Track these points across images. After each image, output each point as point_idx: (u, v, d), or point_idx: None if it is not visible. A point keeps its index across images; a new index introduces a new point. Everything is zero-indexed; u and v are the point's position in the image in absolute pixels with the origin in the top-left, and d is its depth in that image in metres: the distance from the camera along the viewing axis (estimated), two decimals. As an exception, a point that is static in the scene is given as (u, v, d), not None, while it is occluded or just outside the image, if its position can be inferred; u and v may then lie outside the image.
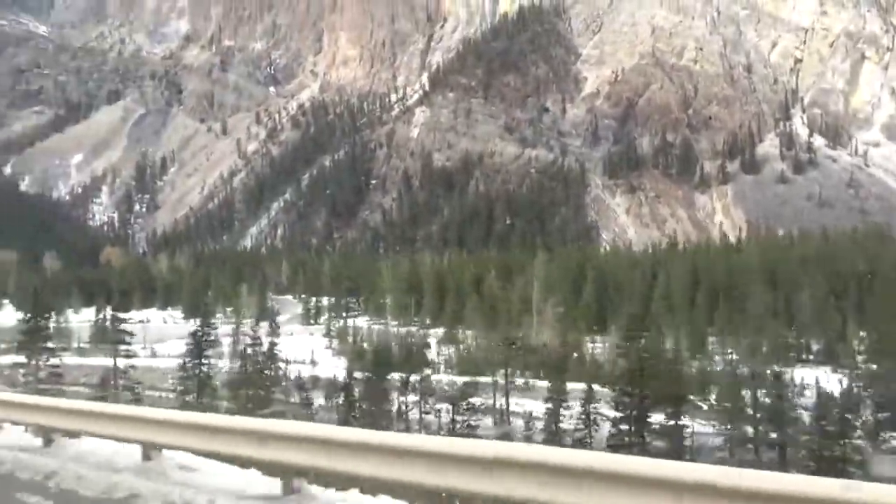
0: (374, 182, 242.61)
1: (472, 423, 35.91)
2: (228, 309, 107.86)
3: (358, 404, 38.37)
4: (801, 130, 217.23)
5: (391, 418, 37.60)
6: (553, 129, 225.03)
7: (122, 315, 54.78)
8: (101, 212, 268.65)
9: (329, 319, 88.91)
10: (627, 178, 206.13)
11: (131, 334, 46.42)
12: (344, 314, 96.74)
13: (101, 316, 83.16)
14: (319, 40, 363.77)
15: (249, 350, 46.08)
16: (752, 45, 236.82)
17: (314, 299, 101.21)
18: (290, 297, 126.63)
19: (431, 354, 61.71)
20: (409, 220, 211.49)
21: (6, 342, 79.95)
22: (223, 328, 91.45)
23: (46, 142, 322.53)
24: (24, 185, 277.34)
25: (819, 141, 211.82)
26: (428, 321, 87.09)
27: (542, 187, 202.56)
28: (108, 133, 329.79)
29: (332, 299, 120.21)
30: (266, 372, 42.45)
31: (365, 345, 64.75)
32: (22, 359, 43.91)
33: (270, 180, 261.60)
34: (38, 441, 10.22)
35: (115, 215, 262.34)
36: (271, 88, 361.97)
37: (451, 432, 32.33)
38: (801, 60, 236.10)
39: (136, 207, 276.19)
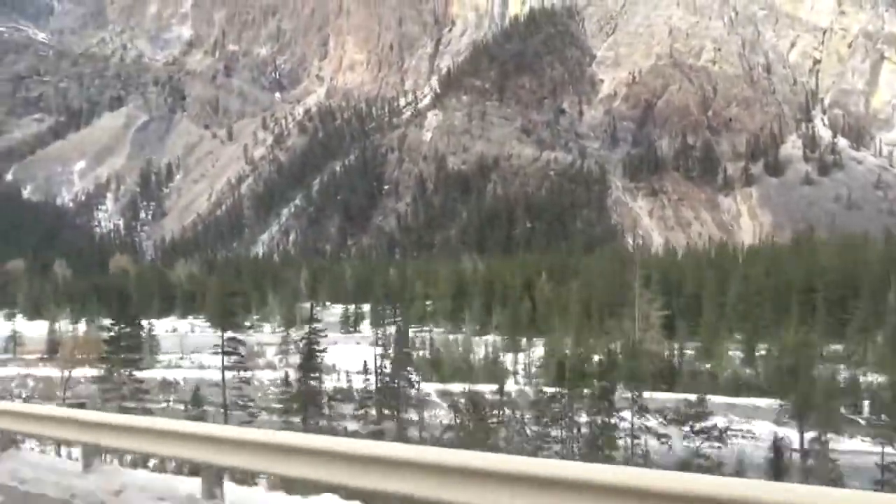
0: (386, 187, 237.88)
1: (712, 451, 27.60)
2: (255, 317, 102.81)
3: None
4: (824, 132, 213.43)
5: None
6: (570, 131, 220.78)
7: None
8: (107, 219, 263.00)
9: (379, 326, 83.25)
10: (648, 181, 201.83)
11: (242, 343, 41.25)
12: (383, 321, 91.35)
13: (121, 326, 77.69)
14: (325, 45, 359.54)
15: (310, 360, 41.17)
16: (771, 46, 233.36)
17: (352, 306, 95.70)
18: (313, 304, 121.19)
19: (507, 363, 56.68)
20: (425, 225, 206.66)
21: (38, 352, 74.68)
22: (257, 336, 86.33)
23: (48, 149, 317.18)
24: (26, 193, 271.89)
25: (842, 142, 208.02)
26: (477, 327, 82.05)
27: (561, 190, 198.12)
28: (110, 140, 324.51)
29: (361, 306, 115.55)
30: (392, 386, 37.36)
31: (442, 353, 59.57)
32: (90, 371, 38.62)
33: (279, 186, 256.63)
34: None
35: (121, 222, 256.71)
36: (277, 94, 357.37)
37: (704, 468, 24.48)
38: (819, 61, 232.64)
39: (142, 215, 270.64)
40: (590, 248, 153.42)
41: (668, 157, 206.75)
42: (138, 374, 37.93)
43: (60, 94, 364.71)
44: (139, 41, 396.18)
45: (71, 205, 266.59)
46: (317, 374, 38.58)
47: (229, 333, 44.25)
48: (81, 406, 28.62)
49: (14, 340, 75.56)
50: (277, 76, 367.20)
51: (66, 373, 49.90)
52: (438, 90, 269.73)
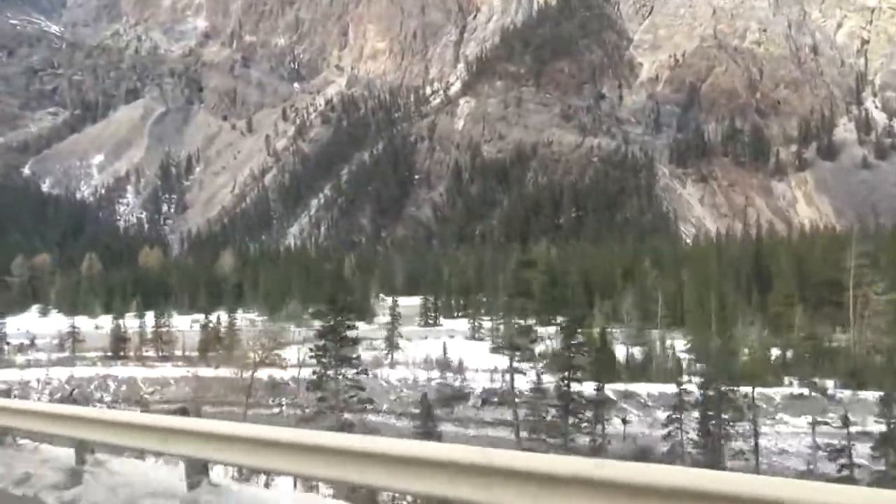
0: (417, 177, 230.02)
1: None
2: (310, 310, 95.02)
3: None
4: (877, 114, 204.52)
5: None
6: (612, 116, 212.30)
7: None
8: (129, 212, 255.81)
9: (497, 322, 74.76)
10: (697, 167, 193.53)
11: (351, 341, 33.32)
12: (467, 313, 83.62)
13: (209, 319, 69.83)
14: (345, 34, 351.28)
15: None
16: (817, 26, 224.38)
17: (431, 299, 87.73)
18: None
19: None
20: (463, 215, 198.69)
21: (99, 349, 66.99)
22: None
23: (65, 142, 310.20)
24: (45, 187, 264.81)
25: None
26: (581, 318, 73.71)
27: (606, 177, 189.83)
28: (128, 132, 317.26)
29: (428, 298, 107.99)
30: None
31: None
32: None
33: (305, 178, 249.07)
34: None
35: (144, 216, 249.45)
36: (295, 84, 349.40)
37: None
38: (868, 41, 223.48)
39: (164, 208, 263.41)
40: (642, 236, 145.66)
41: (716, 141, 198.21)
42: (353, 374, 29.74)
43: (75, 86, 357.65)
44: (154, 33, 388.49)
45: (91, 199, 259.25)
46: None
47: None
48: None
49: (73, 337, 67.90)
50: (296, 66, 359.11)
51: (245, 374, 42.23)
52: (467, 77, 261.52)
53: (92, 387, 50.66)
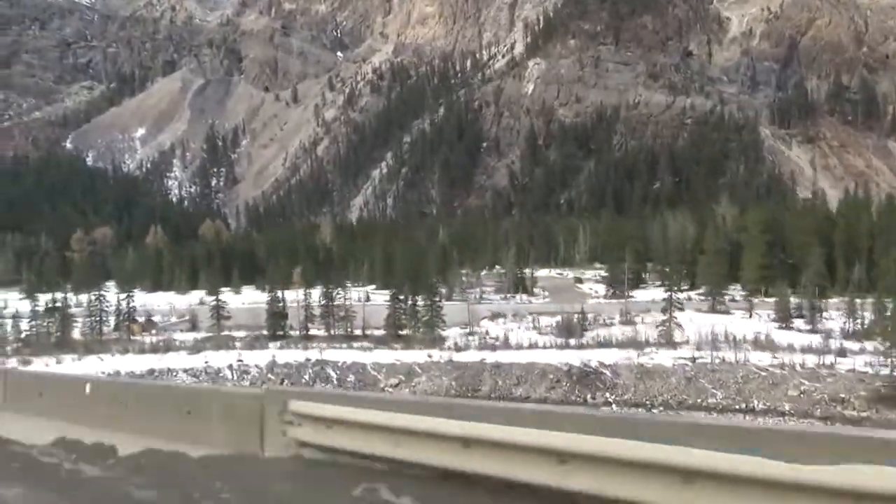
0: (485, 144, 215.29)
1: None
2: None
3: None
4: None
5: None
6: (702, 74, 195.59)
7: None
8: (177, 186, 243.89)
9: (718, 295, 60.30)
10: (802, 127, 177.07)
11: None
12: (666, 284, 69.17)
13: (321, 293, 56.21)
14: (388, 1, 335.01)
15: None
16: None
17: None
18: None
19: None
20: (543, 183, 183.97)
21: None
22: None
23: (104, 116, 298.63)
24: (89, 161, 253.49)
25: None
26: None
27: (703, 139, 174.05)
28: (168, 105, 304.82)
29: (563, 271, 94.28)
30: None
31: None
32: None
33: (362, 148, 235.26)
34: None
35: (195, 189, 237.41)
36: (339, 53, 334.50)
37: None
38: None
39: (213, 181, 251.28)
40: (758, 201, 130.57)
41: (820, 100, 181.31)
42: None
43: (110, 59, 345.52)
44: (188, 2, 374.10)
45: (138, 172, 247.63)
46: None
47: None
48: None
49: (218, 313, 54.82)
50: (339, 34, 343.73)
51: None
52: (529, 39, 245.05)
53: (307, 376, 37.16)
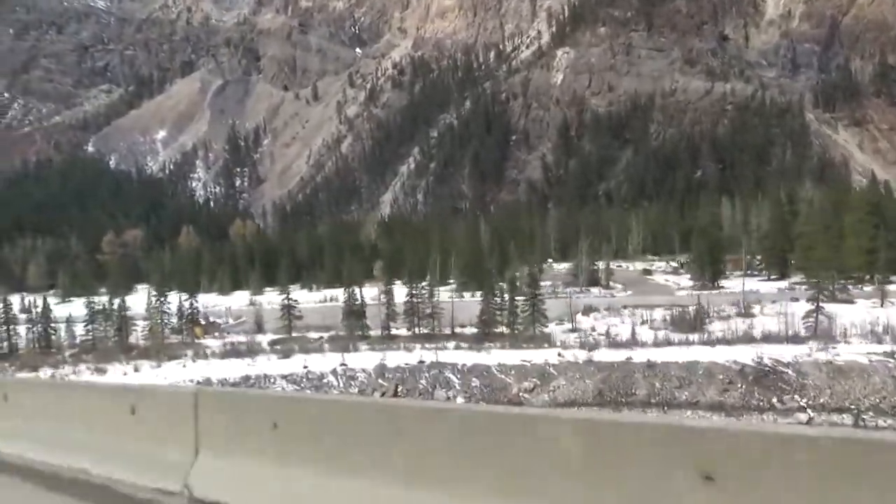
0: (514, 137, 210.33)
1: None
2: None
3: None
4: None
5: None
6: (739, 59, 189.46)
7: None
8: (201, 187, 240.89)
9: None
10: (847, 110, 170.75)
11: None
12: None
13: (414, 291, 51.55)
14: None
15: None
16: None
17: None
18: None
19: None
20: (578, 175, 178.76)
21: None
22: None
23: (124, 119, 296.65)
24: (111, 164, 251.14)
25: None
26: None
27: (745, 125, 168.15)
28: (188, 106, 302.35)
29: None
30: None
31: None
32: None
33: (387, 144, 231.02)
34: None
35: (219, 189, 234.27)
36: (357, 49, 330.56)
37: None
38: None
39: (237, 181, 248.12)
40: (813, 187, 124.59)
41: (865, 81, 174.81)
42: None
43: (127, 62, 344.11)
44: (204, 3, 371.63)
45: (161, 174, 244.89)
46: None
47: None
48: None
49: (290, 313, 50.52)
50: (356, 31, 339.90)
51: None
52: (555, 28, 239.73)
53: (423, 380, 32.56)
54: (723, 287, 62.45)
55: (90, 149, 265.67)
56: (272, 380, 33.07)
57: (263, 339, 48.35)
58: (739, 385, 28.58)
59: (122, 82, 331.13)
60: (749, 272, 71.49)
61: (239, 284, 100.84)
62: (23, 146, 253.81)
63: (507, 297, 46.11)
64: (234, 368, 34.81)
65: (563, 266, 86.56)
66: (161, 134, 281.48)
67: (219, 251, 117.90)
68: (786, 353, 30.68)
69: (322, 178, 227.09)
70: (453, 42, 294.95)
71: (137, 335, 52.61)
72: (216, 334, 54.96)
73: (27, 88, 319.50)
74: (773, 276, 67.32)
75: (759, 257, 71.51)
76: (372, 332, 48.73)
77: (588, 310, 52.87)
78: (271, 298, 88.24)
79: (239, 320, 62.03)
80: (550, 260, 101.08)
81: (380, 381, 32.93)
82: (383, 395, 31.87)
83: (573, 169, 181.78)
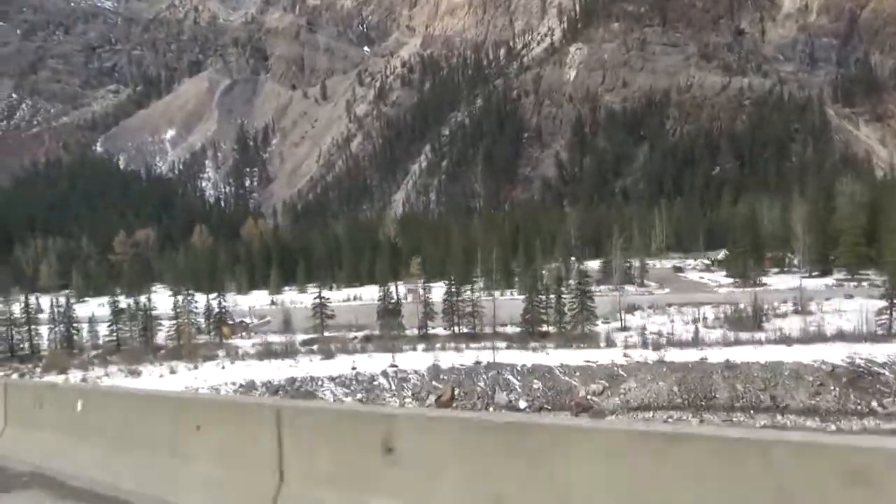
0: (526, 135, 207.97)
1: None
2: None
3: None
4: None
5: None
6: (756, 53, 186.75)
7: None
8: (211, 186, 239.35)
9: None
10: (868, 105, 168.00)
11: None
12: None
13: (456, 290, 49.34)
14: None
15: None
16: None
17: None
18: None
19: None
20: (593, 172, 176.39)
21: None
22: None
23: (133, 118, 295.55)
24: (120, 164, 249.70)
25: None
26: None
27: (763, 121, 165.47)
28: (196, 106, 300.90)
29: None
30: None
31: None
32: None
33: (398, 143, 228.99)
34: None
35: (229, 189, 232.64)
36: (365, 48, 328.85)
37: None
38: None
39: (247, 181, 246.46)
40: (832, 184, 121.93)
41: (884, 75, 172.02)
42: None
43: (135, 62, 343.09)
44: (211, 2, 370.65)
45: (170, 174, 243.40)
46: None
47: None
48: None
49: (322, 312, 48.48)
50: (365, 29, 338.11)
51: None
52: (566, 24, 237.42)
53: (482, 382, 30.47)
54: (766, 284, 60.15)
55: (98, 149, 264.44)
56: (319, 382, 31.02)
57: (296, 339, 46.36)
58: (832, 387, 26.36)
59: (129, 82, 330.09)
60: (787, 269, 69.32)
61: (255, 284, 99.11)
62: (31, 146, 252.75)
63: (551, 294, 43.94)
64: (276, 370, 32.79)
65: (594, 263, 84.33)
66: (169, 134, 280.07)
67: (234, 250, 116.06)
68: (875, 352, 28.47)
69: (332, 177, 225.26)
70: (462, 40, 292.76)
71: (163, 335, 50.70)
72: (242, 334, 53.05)
73: (35, 89, 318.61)
74: (814, 273, 64.98)
75: (792, 254, 69.22)
76: (409, 332, 46.70)
77: (631, 308, 50.70)
78: (292, 297, 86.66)
79: (263, 320, 60.09)
80: (573, 258, 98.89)
81: (434, 383, 30.82)
82: (439, 398, 29.79)
83: (588, 166, 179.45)
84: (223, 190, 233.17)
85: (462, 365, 31.68)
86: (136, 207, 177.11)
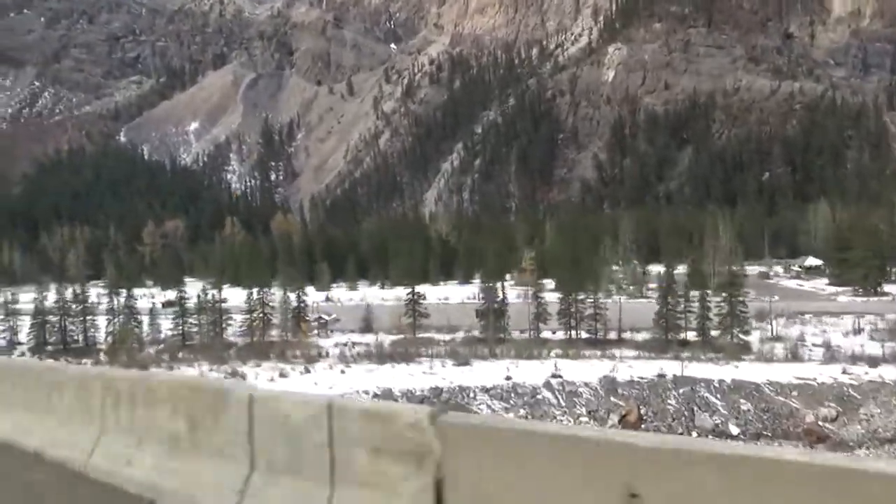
0: (562, 135, 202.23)
1: None
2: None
3: None
4: None
5: None
6: (806, 57, 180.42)
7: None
8: (236, 179, 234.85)
9: None
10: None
11: None
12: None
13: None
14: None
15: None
16: None
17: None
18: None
19: None
20: (637, 175, 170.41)
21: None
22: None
23: (157, 109, 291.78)
24: (144, 154, 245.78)
25: None
26: None
27: (815, 127, 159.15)
28: (220, 99, 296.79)
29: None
30: None
31: None
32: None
33: (428, 140, 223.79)
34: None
35: (255, 182, 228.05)
36: (392, 45, 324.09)
37: None
38: None
39: (272, 175, 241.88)
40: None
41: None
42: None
43: (159, 53, 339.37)
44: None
45: (195, 166, 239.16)
46: None
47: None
48: None
49: (415, 310, 42.83)
50: (392, 26, 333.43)
51: None
52: (603, 24, 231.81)
53: (672, 399, 24.59)
54: (887, 293, 54.27)
55: (122, 139, 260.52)
56: (469, 393, 25.42)
57: (385, 340, 40.83)
58: None
59: (152, 73, 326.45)
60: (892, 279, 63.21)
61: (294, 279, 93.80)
62: (54, 134, 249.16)
63: (691, 298, 38.24)
64: (409, 377, 27.22)
65: (654, 268, 78.57)
66: (193, 125, 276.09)
67: (271, 244, 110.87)
68: None
69: (360, 174, 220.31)
70: (493, 38, 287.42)
71: (232, 331, 45.35)
72: (319, 332, 47.63)
73: (57, 78, 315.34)
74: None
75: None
76: (513, 335, 41.09)
77: (761, 316, 44.91)
78: (339, 294, 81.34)
79: (332, 317, 54.61)
80: (635, 262, 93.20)
81: (612, 398, 25.11)
82: (623, 417, 24.12)
83: (628, 169, 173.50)
84: (248, 183, 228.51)
85: (642, 378, 26.03)
86: (162, 198, 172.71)
